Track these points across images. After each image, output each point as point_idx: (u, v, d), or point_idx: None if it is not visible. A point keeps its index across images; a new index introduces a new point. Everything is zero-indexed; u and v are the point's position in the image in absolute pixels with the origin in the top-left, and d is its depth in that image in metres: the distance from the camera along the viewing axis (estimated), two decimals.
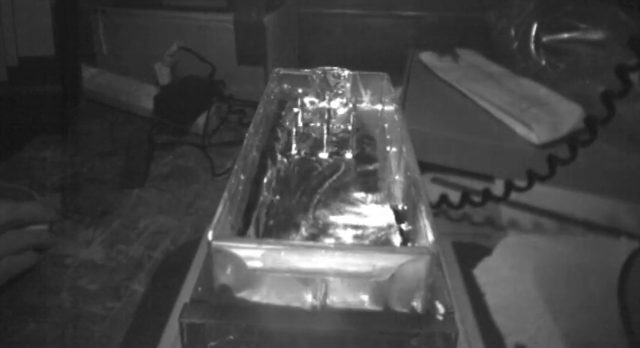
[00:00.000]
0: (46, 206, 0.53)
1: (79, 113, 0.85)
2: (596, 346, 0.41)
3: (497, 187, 0.55)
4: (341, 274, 0.25)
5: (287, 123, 0.43)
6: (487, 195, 0.55)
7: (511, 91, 0.70)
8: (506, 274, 0.48)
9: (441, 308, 0.25)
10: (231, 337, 0.25)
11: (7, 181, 0.65)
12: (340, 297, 0.25)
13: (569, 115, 0.63)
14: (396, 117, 0.40)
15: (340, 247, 0.26)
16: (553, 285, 0.47)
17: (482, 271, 0.48)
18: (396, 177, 0.37)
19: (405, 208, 0.33)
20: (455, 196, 0.57)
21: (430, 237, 0.25)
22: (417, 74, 0.81)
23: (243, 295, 0.25)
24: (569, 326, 0.42)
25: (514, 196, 0.54)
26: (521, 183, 0.53)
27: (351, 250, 0.25)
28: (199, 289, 0.25)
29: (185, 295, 0.42)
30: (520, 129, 0.63)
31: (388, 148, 0.40)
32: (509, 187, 0.53)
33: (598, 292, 0.45)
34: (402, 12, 1.03)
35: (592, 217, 0.57)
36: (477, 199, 0.55)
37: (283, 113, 0.44)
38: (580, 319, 0.43)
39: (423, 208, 0.27)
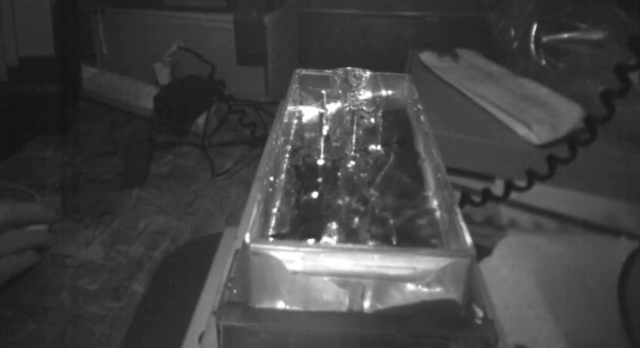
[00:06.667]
0: (46, 206, 0.53)
1: (79, 113, 0.85)
2: (596, 346, 0.41)
3: (497, 187, 0.55)
4: (381, 277, 0.24)
5: (313, 123, 0.42)
6: (487, 195, 0.55)
7: (511, 91, 0.70)
8: (506, 274, 0.48)
9: (479, 312, 0.24)
10: (267, 340, 0.24)
11: (7, 181, 0.65)
12: (378, 300, 0.25)
13: (569, 115, 0.63)
14: (422, 118, 0.39)
15: (380, 249, 0.25)
16: (553, 285, 0.47)
17: (482, 271, 0.48)
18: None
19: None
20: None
21: (468, 240, 0.24)
22: (417, 74, 0.81)
23: (280, 297, 0.25)
24: (569, 326, 0.42)
25: (514, 196, 0.54)
26: (522, 183, 0.53)
27: (390, 253, 0.24)
28: (235, 291, 0.25)
29: (207, 295, 0.41)
30: (520, 129, 0.63)
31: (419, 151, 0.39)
32: (509, 187, 0.53)
33: (598, 292, 0.45)
34: (402, 12, 1.03)
35: (592, 217, 0.57)
36: (476, 199, 0.55)
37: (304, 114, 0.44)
38: (580, 319, 0.43)
39: (457, 210, 0.27)
